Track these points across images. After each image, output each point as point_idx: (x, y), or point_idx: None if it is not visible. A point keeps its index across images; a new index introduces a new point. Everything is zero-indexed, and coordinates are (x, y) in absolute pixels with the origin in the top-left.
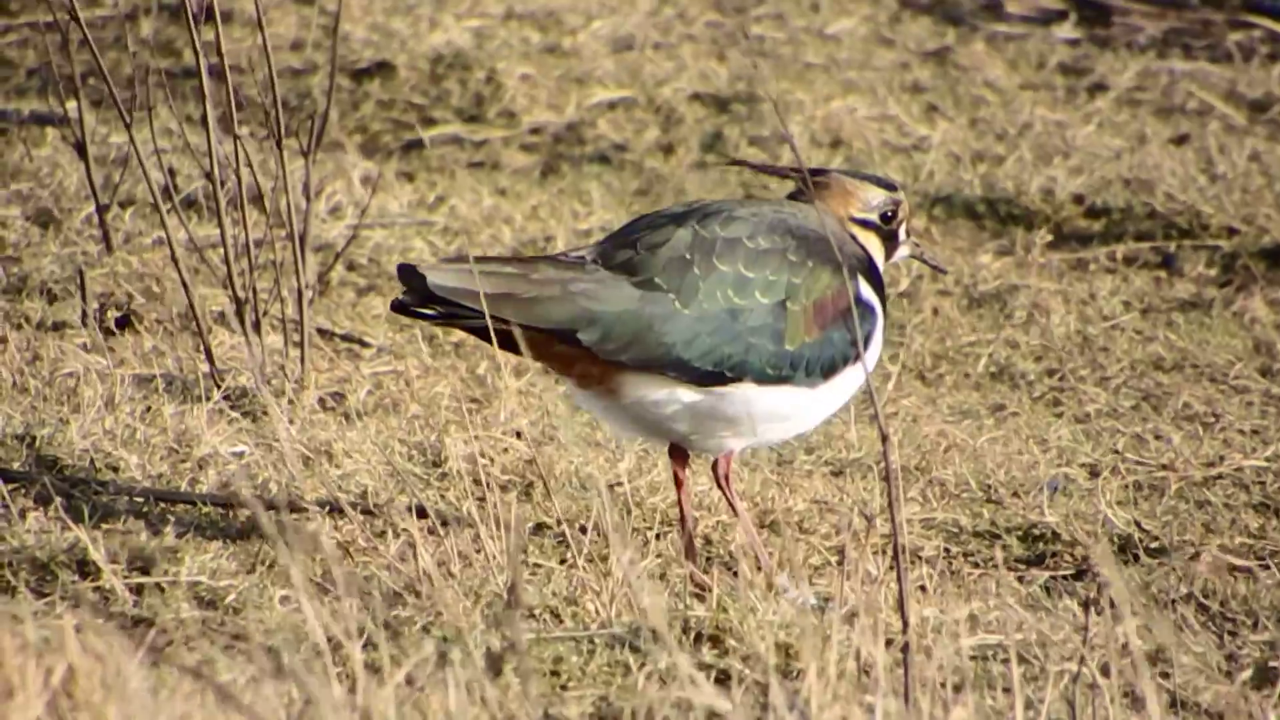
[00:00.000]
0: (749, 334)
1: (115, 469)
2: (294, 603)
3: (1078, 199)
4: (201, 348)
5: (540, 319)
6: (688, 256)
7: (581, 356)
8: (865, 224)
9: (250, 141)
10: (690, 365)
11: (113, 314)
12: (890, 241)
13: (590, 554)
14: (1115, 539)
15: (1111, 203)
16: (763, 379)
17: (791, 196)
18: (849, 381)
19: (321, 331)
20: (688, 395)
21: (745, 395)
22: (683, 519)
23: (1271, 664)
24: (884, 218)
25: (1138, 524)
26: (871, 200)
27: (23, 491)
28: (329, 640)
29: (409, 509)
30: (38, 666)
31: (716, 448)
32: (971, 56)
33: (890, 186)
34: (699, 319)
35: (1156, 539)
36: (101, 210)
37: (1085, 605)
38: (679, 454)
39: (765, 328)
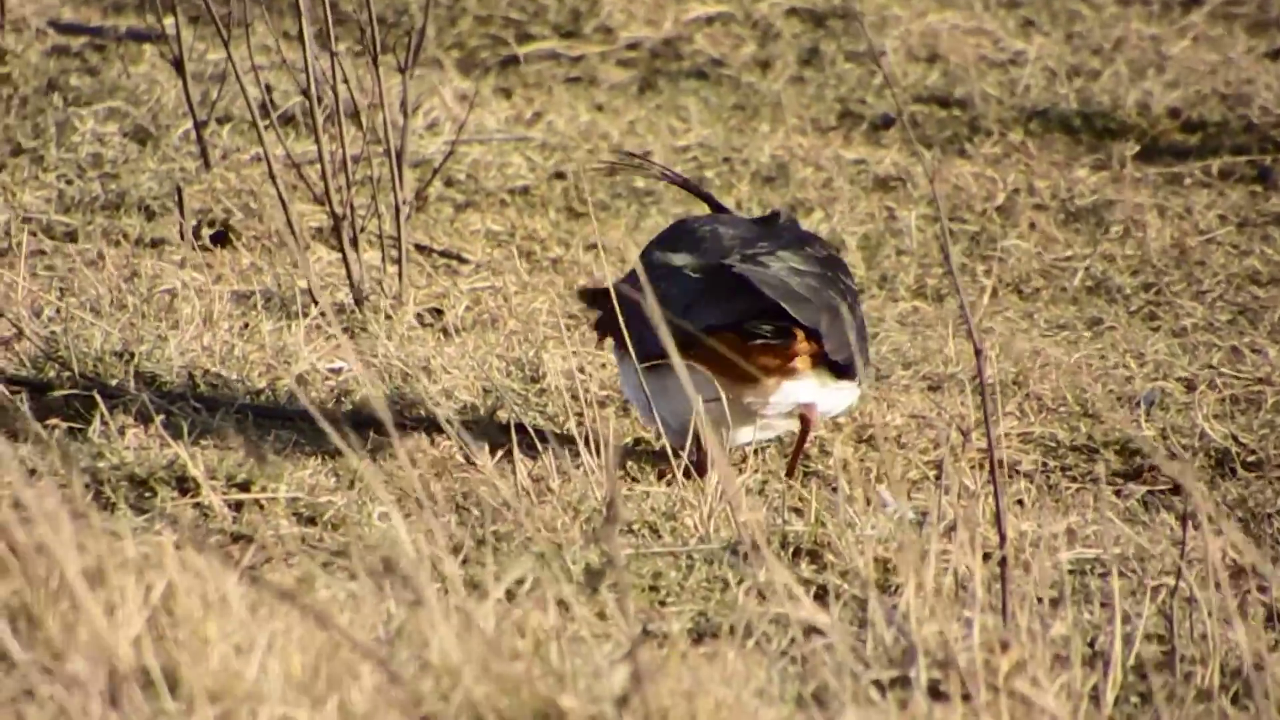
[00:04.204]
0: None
1: (214, 385)
2: (392, 519)
3: (1173, 113)
4: (299, 264)
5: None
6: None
7: (808, 353)
8: None
9: (347, 58)
10: (851, 366)
11: (211, 230)
12: None
13: (688, 469)
14: (1212, 453)
15: (1207, 117)
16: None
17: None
18: None
19: (419, 248)
20: (841, 391)
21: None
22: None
23: None
24: None
25: (1234, 438)
26: None
27: (122, 408)
28: (426, 557)
29: (507, 424)
30: (138, 583)
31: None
32: None
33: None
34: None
35: (1254, 453)
36: (199, 127)
37: (1182, 519)
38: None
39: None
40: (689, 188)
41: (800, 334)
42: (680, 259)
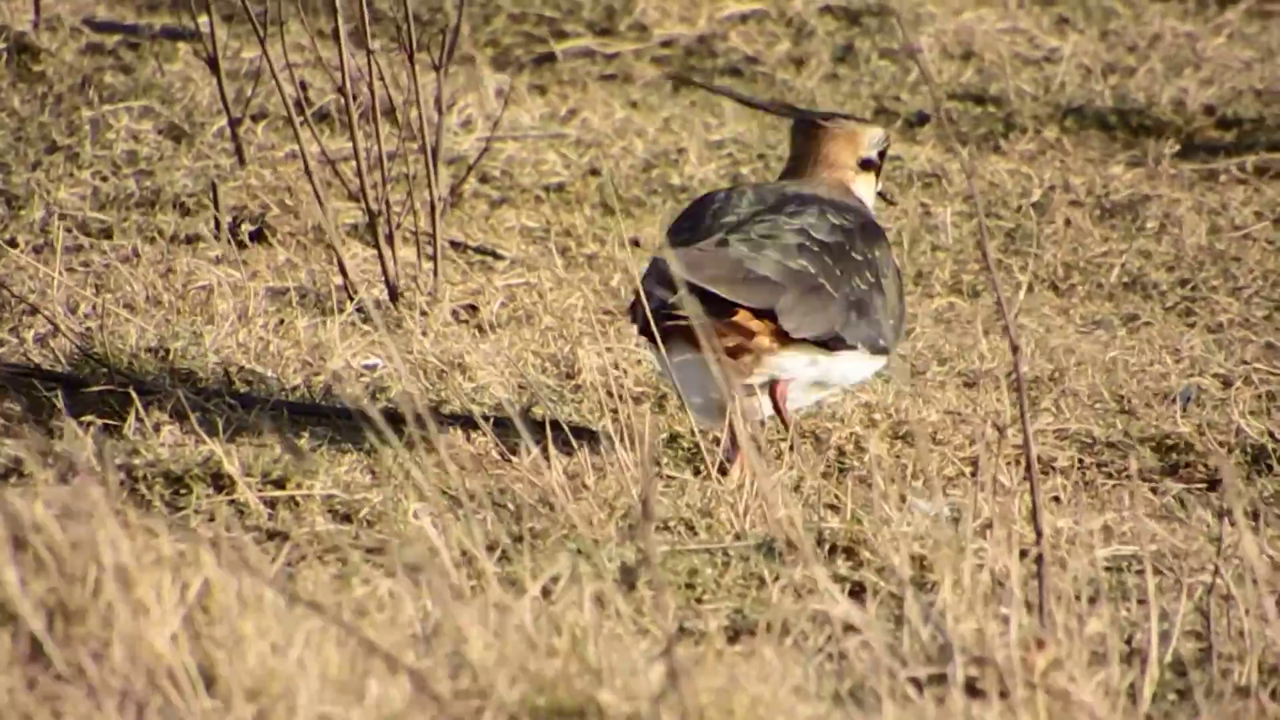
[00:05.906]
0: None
1: (249, 382)
2: (428, 516)
3: (1208, 110)
4: (334, 261)
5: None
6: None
7: (768, 332)
8: (868, 163)
9: (382, 55)
10: (842, 338)
11: (246, 227)
12: (879, 177)
13: (724, 465)
14: (1248, 449)
15: (1242, 114)
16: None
17: (782, 176)
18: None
19: (454, 244)
20: (819, 363)
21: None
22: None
23: None
24: (880, 155)
25: (1271, 434)
26: (873, 139)
27: (157, 405)
28: (463, 554)
29: (542, 421)
30: (173, 581)
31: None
32: None
33: (872, 122)
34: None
35: None
36: (234, 124)
37: (1219, 516)
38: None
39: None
40: (758, 105)
41: (744, 314)
42: (676, 240)
